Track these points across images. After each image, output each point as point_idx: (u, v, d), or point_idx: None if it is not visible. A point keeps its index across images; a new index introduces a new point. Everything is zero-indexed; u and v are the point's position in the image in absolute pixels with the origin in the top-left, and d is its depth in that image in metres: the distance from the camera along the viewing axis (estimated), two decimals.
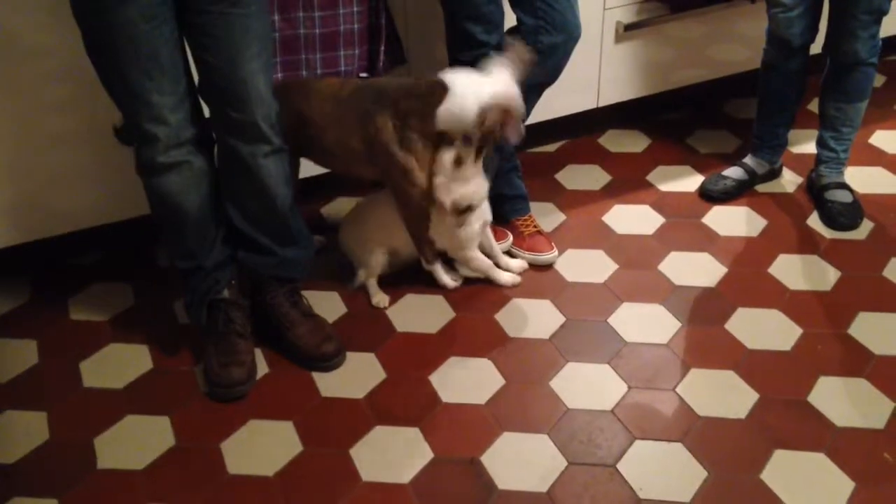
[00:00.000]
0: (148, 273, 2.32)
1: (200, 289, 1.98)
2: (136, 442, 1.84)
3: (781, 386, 1.92)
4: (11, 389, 1.98)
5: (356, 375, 1.99)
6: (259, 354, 2.05)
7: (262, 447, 1.83)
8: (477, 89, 1.91)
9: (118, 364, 2.04)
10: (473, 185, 2.03)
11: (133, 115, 1.78)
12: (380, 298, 2.19)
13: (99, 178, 2.20)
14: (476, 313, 2.17)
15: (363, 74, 2.31)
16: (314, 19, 2.18)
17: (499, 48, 2.09)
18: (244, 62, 1.76)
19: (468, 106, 1.90)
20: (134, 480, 1.76)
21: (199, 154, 1.86)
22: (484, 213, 2.12)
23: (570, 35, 2.04)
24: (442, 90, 1.93)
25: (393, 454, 1.80)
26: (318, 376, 1.99)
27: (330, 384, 1.97)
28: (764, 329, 2.08)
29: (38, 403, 1.93)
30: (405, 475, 1.75)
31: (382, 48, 2.29)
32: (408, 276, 2.26)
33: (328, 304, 2.19)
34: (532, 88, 2.10)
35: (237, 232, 1.99)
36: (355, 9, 2.21)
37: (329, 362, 2.00)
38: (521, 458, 1.78)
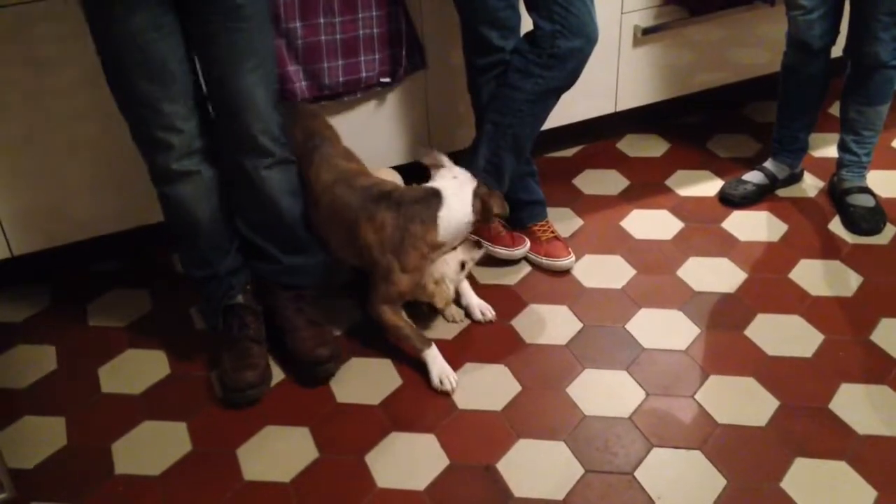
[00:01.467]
0: (165, 279, 2.34)
1: (216, 295, 1.99)
2: (153, 447, 1.85)
3: (802, 393, 1.90)
4: (30, 395, 1.99)
5: (372, 382, 1.99)
6: (276, 361, 2.06)
7: (278, 453, 1.82)
8: (461, 187, 1.95)
9: (136, 370, 2.05)
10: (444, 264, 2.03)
11: (144, 125, 1.78)
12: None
13: (117, 185, 2.21)
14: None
15: (385, 80, 2.31)
16: (335, 25, 2.18)
17: (515, 53, 2.08)
18: (242, 75, 1.77)
19: (465, 202, 1.94)
20: (151, 486, 1.77)
21: (209, 164, 1.88)
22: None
23: (587, 39, 2.03)
24: (437, 197, 1.93)
25: (409, 461, 1.79)
26: (333, 383, 1.99)
27: (345, 390, 1.97)
28: (785, 335, 2.05)
29: (56, 409, 1.95)
30: (421, 482, 1.74)
31: (404, 53, 2.29)
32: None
33: (343, 312, 2.19)
34: (550, 93, 2.09)
35: (243, 239, 2.00)
36: (374, 13, 2.21)
37: (322, 366, 1.97)
38: (537, 466, 1.77)
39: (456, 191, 1.94)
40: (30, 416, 1.93)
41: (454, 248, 2.02)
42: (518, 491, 1.71)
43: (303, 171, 2.03)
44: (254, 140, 1.84)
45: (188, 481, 1.77)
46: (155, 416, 1.92)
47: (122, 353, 2.10)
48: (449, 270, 2.02)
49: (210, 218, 1.91)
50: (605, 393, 1.93)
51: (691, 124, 2.92)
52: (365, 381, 2.00)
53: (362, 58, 2.25)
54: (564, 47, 2.01)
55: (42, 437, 1.88)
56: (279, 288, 2.04)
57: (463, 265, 2.05)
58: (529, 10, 2.05)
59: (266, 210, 1.94)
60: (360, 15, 2.20)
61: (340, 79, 2.25)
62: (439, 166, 2.04)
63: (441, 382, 1.95)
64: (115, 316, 2.22)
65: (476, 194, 1.95)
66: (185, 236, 1.96)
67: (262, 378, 1.95)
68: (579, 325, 2.12)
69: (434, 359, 1.98)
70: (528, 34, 2.08)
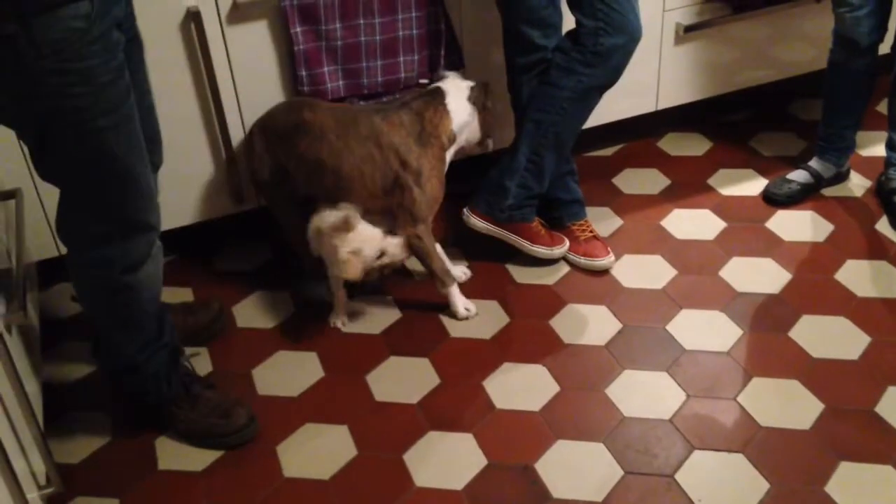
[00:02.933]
0: (205, 278, 2.36)
1: (165, 365, 1.81)
2: None
3: (848, 396, 1.86)
4: (76, 392, 2.03)
5: (410, 380, 1.99)
6: (314, 357, 2.07)
7: (317, 451, 1.84)
8: (455, 83, 2.11)
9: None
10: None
11: (136, 210, 1.58)
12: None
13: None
14: (531, 319, 2.15)
15: (423, 80, 2.32)
16: (374, 26, 2.19)
17: (557, 50, 2.07)
18: (151, 105, 1.73)
19: (464, 95, 2.09)
20: (193, 481, 1.79)
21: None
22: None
23: (630, 37, 2.01)
24: (439, 91, 2.07)
25: (447, 460, 1.79)
26: (371, 380, 2.00)
27: (384, 389, 1.98)
28: (830, 337, 2.02)
29: (100, 406, 1.98)
30: (459, 481, 1.74)
31: (442, 53, 2.29)
32: (462, 282, 2.26)
33: (381, 310, 2.20)
34: (592, 91, 2.08)
35: None
36: (414, 14, 2.21)
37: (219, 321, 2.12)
38: (575, 467, 1.76)
39: (452, 86, 2.09)
40: (75, 412, 1.97)
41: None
42: (556, 492, 1.71)
43: (311, 157, 2.03)
44: (160, 163, 1.80)
45: (229, 477, 1.79)
46: None
47: None
48: (367, 249, 1.99)
49: (161, 283, 1.75)
50: (645, 394, 1.91)
51: (734, 122, 2.87)
52: (402, 379, 2.00)
53: (401, 58, 2.26)
54: (608, 44, 1.99)
55: (87, 432, 1.91)
56: None
57: (382, 254, 2.02)
58: (572, 7, 2.04)
59: None
60: (399, 16, 2.21)
61: (379, 79, 2.26)
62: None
63: (467, 310, 2.15)
64: None
65: (471, 88, 2.09)
66: (137, 322, 1.73)
67: (250, 414, 1.87)
68: (619, 326, 2.10)
69: (457, 293, 2.15)
70: (570, 32, 2.07)
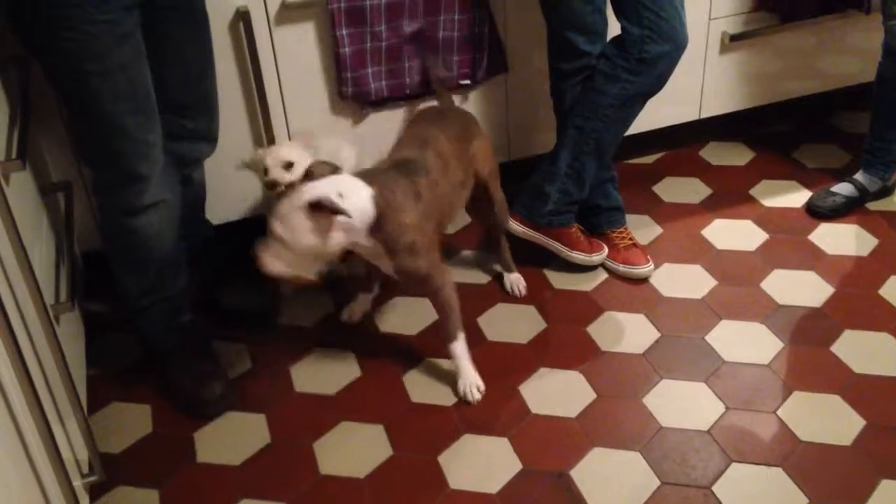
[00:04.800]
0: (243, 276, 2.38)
1: (162, 317, 1.94)
2: (234, 438, 1.89)
3: (890, 413, 1.83)
4: (118, 382, 2.06)
5: (446, 382, 2.00)
6: (351, 356, 2.09)
7: (353, 449, 1.85)
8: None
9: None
10: None
11: (123, 159, 1.69)
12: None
13: None
14: (567, 325, 2.15)
15: (464, 82, 2.33)
16: (418, 27, 2.20)
17: (602, 57, 2.07)
18: (210, 74, 1.90)
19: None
20: (230, 474, 1.81)
21: (172, 188, 1.85)
22: None
23: (677, 45, 2.00)
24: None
25: (481, 463, 1.80)
26: (408, 380, 2.01)
27: (420, 390, 1.99)
28: (873, 353, 1.99)
29: (142, 397, 2.01)
30: (493, 485, 1.75)
31: (485, 55, 2.30)
32: (499, 286, 2.26)
33: (417, 311, 2.21)
34: (636, 98, 2.07)
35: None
36: (457, 17, 2.22)
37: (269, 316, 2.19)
38: (611, 475, 1.75)
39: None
40: (118, 403, 2.00)
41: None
42: (591, 500, 1.70)
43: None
44: (215, 134, 1.95)
45: (267, 472, 1.81)
46: (235, 408, 1.97)
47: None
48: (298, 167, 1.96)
49: (173, 241, 1.87)
50: (682, 404, 1.90)
51: (777, 133, 2.84)
52: (439, 381, 2.01)
53: (441, 57, 2.27)
54: (653, 52, 1.98)
55: (129, 423, 1.95)
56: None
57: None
58: (618, 15, 2.03)
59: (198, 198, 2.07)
60: (441, 17, 2.22)
61: (418, 78, 2.27)
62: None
63: (479, 391, 1.94)
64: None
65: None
66: (140, 267, 1.87)
67: (230, 389, 1.96)
68: (657, 335, 2.09)
69: (467, 355, 1.95)
70: (615, 38, 2.06)
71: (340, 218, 1.66)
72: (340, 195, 1.67)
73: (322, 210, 1.64)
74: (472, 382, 1.94)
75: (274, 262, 1.69)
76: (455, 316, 1.91)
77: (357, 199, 1.69)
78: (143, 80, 1.66)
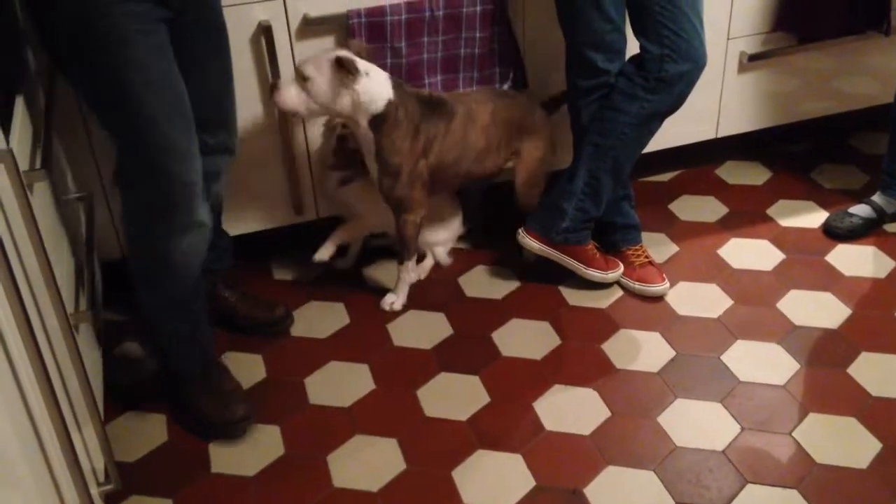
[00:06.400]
0: (262, 285, 2.40)
1: (190, 343, 1.92)
2: (248, 449, 1.90)
3: None
4: (134, 391, 2.06)
5: (459, 397, 2.00)
6: (366, 370, 2.09)
7: (366, 462, 1.85)
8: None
9: (233, 374, 2.11)
10: None
11: (172, 173, 1.65)
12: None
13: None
14: (582, 341, 2.15)
15: None
16: (437, 44, 2.22)
17: (620, 75, 2.08)
18: (230, 89, 1.90)
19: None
20: (244, 485, 1.82)
21: (207, 211, 1.80)
22: None
23: (695, 64, 2.01)
24: None
25: (495, 479, 1.79)
26: (422, 395, 2.01)
27: (434, 405, 1.99)
28: (890, 375, 1.98)
29: (158, 407, 2.02)
30: (507, 501, 1.74)
31: (505, 72, 2.31)
32: (514, 301, 2.26)
33: (432, 325, 2.21)
34: (654, 117, 2.08)
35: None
36: (478, 35, 2.24)
37: (282, 324, 2.21)
38: (625, 494, 1.74)
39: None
40: (133, 412, 2.01)
41: None
42: None
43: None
44: (234, 147, 1.95)
45: (280, 483, 1.82)
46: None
47: (220, 355, 2.17)
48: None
49: (201, 263, 1.84)
50: (697, 424, 1.89)
51: (795, 153, 2.84)
52: (453, 396, 2.01)
53: (461, 74, 2.28)
54: (672, 71, 1.99)
55: (144, 432, 1.96)
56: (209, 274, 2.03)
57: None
58: (637, 33, 2.04)
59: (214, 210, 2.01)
60: (462, 34, 2.23)
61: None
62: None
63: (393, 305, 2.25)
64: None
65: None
66: (170, 291, 1.83)
67: (252, 410, 1.94)
68: (672, 353, 2.09)
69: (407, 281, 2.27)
70: (634, 57, 2.07)
71: (356, 87, 1.96)
72: (367, 73, 1.97)
73: (343, 69, 1.94)
74: (396, 299, 2.26)
75: (289, 99, 1.99)
76: (409, 246, 2.21)
77: (376, 85, 2.00)
78: (184, 91, 1.65)
